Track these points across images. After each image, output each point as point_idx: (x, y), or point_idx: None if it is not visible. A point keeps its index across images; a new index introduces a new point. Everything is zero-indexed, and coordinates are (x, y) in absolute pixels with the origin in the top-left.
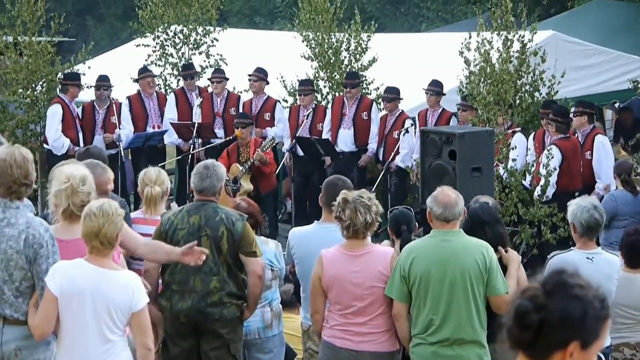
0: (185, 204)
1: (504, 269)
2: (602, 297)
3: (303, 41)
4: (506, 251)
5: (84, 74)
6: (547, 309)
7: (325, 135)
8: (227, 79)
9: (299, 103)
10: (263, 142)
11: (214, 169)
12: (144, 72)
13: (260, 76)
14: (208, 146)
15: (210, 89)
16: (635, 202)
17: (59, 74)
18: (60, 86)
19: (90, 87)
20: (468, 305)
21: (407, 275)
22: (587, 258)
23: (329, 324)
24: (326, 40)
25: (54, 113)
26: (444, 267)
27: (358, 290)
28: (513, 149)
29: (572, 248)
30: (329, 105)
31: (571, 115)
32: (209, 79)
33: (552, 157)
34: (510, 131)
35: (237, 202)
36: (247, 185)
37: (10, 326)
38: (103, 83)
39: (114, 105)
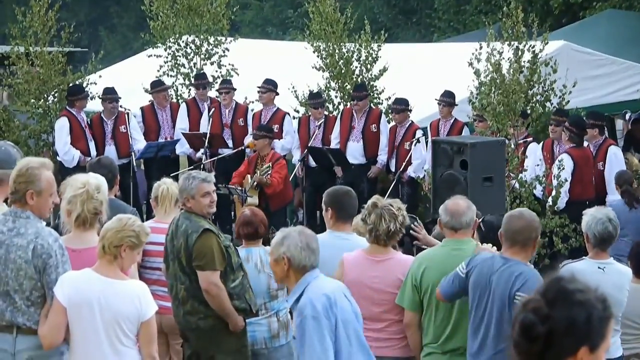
0: None
1: None
2: (602, 297)
3: (314, 52)
4: None
5: (95, 83)
6: (552, 319)
7: (334, 147)
8: (235, 89)
9: (309, 114)
10: (263, 167)
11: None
12: (159, 85)
13: (269, 87)
14: (217, 157)
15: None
16: (631, 213)
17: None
18: (67, 101)
19: (99, 97)
20: None
21: (418, 284)
22: (599, 268)
23: None
24: (337, 51)
25: (61, 127)
26: None
27: (376, 295)
28: (526, 157)
29: (583, 257)
30: (339, 116)
31: None
32: (217, 90)
33: (563, 168)
34: (522, 141)
35: (243, 210)
36: (252, 199)
37: (23, 335)
38: (109, 96)
39: (125, 115)
